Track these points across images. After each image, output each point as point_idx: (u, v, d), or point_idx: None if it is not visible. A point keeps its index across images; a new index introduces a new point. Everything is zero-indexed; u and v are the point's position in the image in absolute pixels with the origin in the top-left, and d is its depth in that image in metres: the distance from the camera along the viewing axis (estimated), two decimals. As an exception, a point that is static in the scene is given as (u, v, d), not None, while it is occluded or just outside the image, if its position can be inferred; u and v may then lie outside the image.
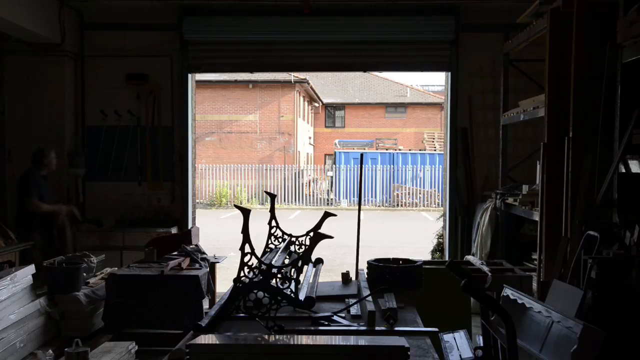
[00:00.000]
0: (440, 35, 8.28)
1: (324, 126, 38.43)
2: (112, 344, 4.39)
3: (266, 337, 2.69)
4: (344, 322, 3.35)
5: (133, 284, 5.62)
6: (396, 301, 3.65)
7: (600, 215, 4.86)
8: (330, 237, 3.40)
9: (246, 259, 3.24)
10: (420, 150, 30.04)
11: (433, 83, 53.12)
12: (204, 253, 6.57)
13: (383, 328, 3.26)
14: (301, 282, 3.68)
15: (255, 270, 3.25)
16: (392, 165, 27.18)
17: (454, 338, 4.34)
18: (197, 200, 10.54)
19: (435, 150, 28.85)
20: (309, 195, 27.06)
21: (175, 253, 6.30)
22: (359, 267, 4.91)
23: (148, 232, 7.74)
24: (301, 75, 29.09)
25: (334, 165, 27.74)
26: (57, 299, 5.63)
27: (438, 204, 24.43)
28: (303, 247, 4.22)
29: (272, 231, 4.23)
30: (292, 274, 3.41)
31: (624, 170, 4.90)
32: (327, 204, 26.16)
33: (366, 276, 4.22)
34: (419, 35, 8.32)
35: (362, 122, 37.66)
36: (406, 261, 4.27)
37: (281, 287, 3.23)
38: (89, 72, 8.42)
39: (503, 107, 7.85)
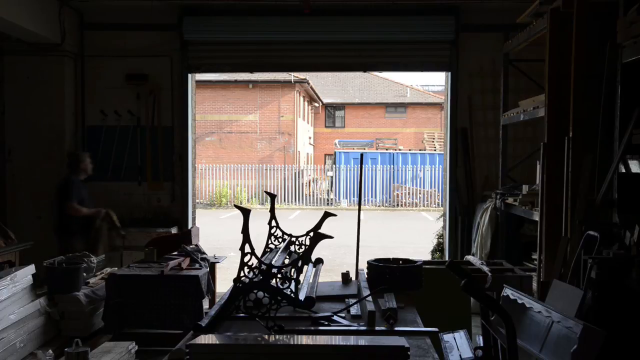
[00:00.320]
0: (440, 35, 8.28)
1: (324, 126, 38.44)
2: (112, 344, 4.39)
3: (266, 337, 2.68)
4: (344, 322, 3.35)
5: (133, 284, 5.62)
6: (396, 301, 3.65)
7: (600, 215, 4.86)
8: (330, 237, 3.40)
9: (246, 259, 3.24)
10: (420, 150, 30.06)
11: (433, 83, 53.17)
12: (204, 253, 6.57)
13: (383, 328, 3.26)
14: (301, 282, 3.68)
15: (255, 270, 3.25)
16: (392, 165, 27.18)
17: (454, 338, 4.34)
18: (197, 200, 10.53)
19: (435, 150, 28.85)
20: (309, 195, 27.06)
21: (175, 253, 6.30)
22: (359, 267, 4.91)
23: (148, 232, 7.73)
24: (301, 75, 29.10)
25: (334, 165, 27.75)
26: (57, 299, 5.62)
27: (438, 204, 24.43)
28: (303, 247, 4.22)
29: (272, 231, 4.23)
30: (292, 274, 3.41)
31: (624, 170, 4.90)
32: (327, 204, 26.17)
33: (366, 276, 4.21)
34: (419, 35, 8.32)
35: (362, 122, 37.67)
36: (406, 261, 4.27)
37: (281, 287, 3.23)
38: (89, 72, 8.41)
39: (503, 107, 7.85)
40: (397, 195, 26.45)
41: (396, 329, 3.26)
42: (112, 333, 5.53)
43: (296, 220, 19.83)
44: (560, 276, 4.78)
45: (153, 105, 8.38)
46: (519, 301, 3.56)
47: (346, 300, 3.81)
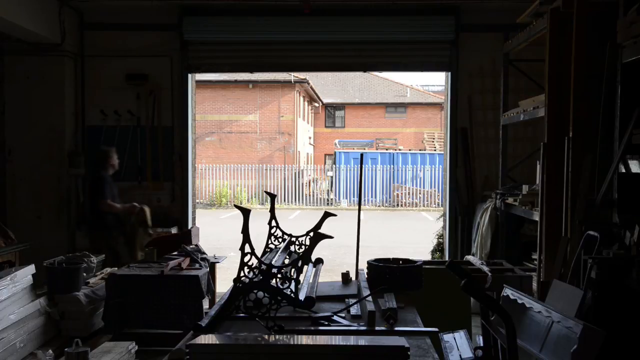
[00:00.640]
0: (440, 35, 8.28)
1: (324, 126, 38.44)
2: (112, 344, 4.39)
3: (266, 337, 2.68)
4: (344, 322, 3.35)
5: (133, 284, 5.61)
6: (396, 301, 3.65)
7: (600, 215, 4.86)
8: (330, 237, 3.40)
9: (246, 259, 3.24)
10: (420, 150, 30.06)
11: (433, 83, 53.18)
12: (204, 253, 6.56)
13: (383, 328, 3.26)
14: (301, 282, 3.68)
15: (255, 270, 3.25)
16: (392, 165, 27.19)
17: (454, 338, 4.34)
18: (197, 200, 10.53)
19: (435, 150, 28.85)
20: (309, 195, 27.06)
21: (175, 253, 6.30)
22: (359, 267, 4.91)
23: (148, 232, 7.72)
24: (301, 75, 29.10)
25: (334, 165, 27.75)
26: (57, 299, 5.62)
27: (438, 204, 24.43)
28: (303, 247, 4.22)
29: (272, 231, 4.22)
30: (292, 274, 3.41)
31: (624, 170, 4.89)
32: (327, 204, 26.17)
33: (366, 276, 4.21)
34: (418, 35, 8.32)
35: (362, 122, 37.67)
36: (406, 261, 4.27)
37: (281, 287, 3.23)
38: (89, 72, 8.41)
39: (503, 107, 7.85)
40: (397, 195, 26.45)
41: (396, 329, 3.25)
42: (112, 333, 5.53)
43: (296, 220, 19.83)
44: (560, 276, 4.78)
45: (153, 105, 8.38)
46: (519, 301, 3.56)
47: (346, 300, 3.81)
